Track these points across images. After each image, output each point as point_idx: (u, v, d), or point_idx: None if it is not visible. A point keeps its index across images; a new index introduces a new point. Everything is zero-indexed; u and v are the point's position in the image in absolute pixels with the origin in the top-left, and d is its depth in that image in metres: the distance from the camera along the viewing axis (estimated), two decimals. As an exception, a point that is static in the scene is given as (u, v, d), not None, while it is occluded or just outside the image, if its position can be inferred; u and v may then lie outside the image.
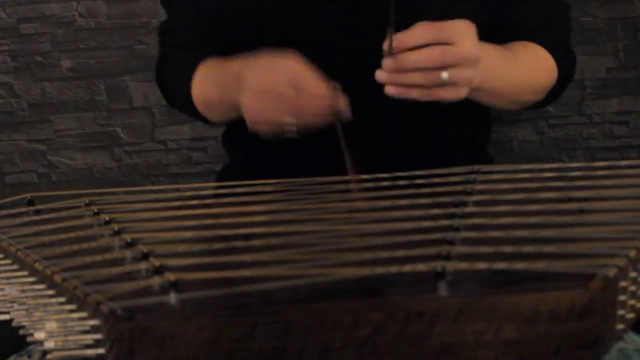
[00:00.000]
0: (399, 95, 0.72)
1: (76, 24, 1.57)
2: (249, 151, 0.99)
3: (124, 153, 1.65)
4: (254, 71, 0.75)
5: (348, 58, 0.86)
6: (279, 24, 0.89)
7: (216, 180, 1.04)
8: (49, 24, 1.56)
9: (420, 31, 0.70)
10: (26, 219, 0.71)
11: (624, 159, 1.56)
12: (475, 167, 0.78)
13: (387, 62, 0.71)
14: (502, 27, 0.90)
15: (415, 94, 0.72)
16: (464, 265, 0.52)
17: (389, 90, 0.72)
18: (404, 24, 0.83)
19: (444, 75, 0.70)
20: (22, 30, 1.56)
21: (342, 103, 0.74)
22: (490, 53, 0.79)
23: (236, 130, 1.01)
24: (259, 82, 0.73)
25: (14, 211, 0.72)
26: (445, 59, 0.70)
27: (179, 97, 0.95)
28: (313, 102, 0.73)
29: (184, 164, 1.65)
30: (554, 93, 0.92)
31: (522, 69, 0.86)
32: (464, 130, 0.79)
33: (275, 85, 0.72)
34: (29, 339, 0.55)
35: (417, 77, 0.70)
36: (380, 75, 0.72)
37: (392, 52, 0.70)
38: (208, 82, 0.88)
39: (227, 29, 0.93)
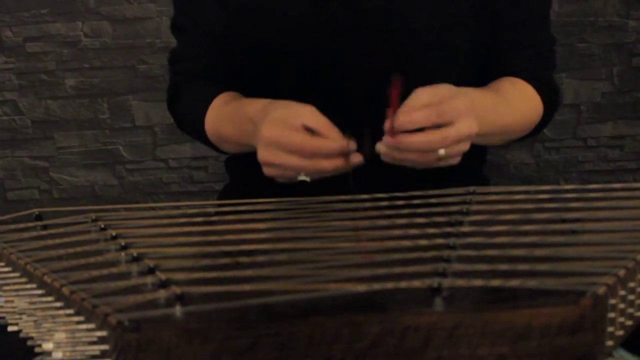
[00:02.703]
0: (394, 162, 0.75)
1: (81, 43, 1.59)
2: (252, 175, 1.01)
3: (125, 171, 1.67)
4: (268, 122, 0.75)
5: (352, 83, 0.90)
6: (289, 57, 0.91)
7: (218, 199, 1.06)
8: (54, 44, 1.58)
9: (422, 115, 0.71)
10: (34, 233, 0.73)
11: (618, 181, 1.58)
12: (471, 188, 0.80)
13: (387, 139, 0.73)
14: (493, 60, 0.95)
15: (410, 164, 0.75)
16: (459, 282, 0.54)
17: (385, 158, 0.75)
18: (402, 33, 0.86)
19: (441, 152, 0.73)
20: (27, 49, 1.59)
21: (354, 148, 0.75)
22: (483, 102, 0.82)
23: (239, 156, 1.03)
24: (272, 134, 0.74)
25: (22, 225, 0.74)
26: (444, 143, 0.73)
27: (191, 126, 0.97)
28: (326, 146, 0.73)
29: (184, 183, 1.67)
30: (540, 126, 0.97)
31: (513, 110, 0.90)
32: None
33: (289, 136, 0.73)
34: (36, 349, 0.56)
35: (415, 156, 0.74)
36: (380, 148, 0.74)
37: (393, 132, 0.72)
38: (222, 120, 0.90)
39: (239, 61, 0.95)
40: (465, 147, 0.75)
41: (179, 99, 0.99)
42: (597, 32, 1.50)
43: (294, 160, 0.73)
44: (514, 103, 0.90)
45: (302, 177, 0.74)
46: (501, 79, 0.94)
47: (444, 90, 0.75)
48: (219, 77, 0.97)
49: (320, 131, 0.74)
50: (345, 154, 0.74)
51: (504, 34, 0.94)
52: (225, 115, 0.90)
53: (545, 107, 0.95)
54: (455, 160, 0.76)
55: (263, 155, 0.75)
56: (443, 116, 0.71)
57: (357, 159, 0.75)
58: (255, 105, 0.84)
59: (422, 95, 0.73)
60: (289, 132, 0.73)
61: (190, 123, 0.97)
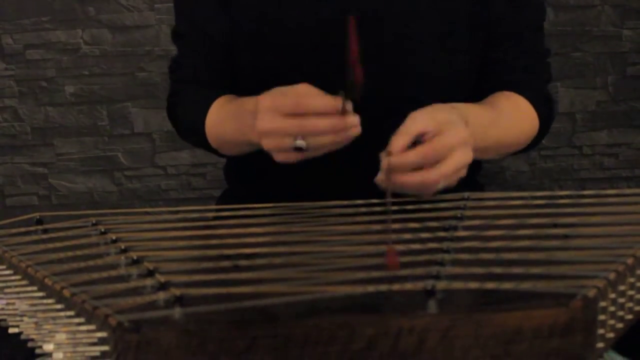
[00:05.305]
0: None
1: (81, 51, 1.60)
2: (250, 182, 1.02)
3: (124, 177, 1.67)
4: (265, 95, 0.78)
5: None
6: (288, 64, 0.93)
7: (216, 205, 1.07)
8: (54, 51, 1.60)
9: (415, 156, 0.73)
10: (35, 237, 0.73)
11: (613, 189, 1.59)
12: (466, 194, 0.82)
13: (383, 179, 0.74)
14: (488, 70, 0.96)
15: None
16: (453, 285, 0.55)
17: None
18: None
19: (440, 185, 0.74)
20: (27, 56, 1.60)
21: (348, 107, 0.76)
22: (479, 119, 0.84)
23: (238, 164, 1.04)
24: (268, 101, 0.77)
25: (23, 229, 0.75)
26: (440, 178, 0.74)
27: (191, 131, 0.98)
28: (319, 103, 0.75)
29: (183, 189, 1.68)
30: (537, 139, 0.98)
31: (508, 126, 0.91)
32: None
33: (284, 99, 0.76)
34: (37, 351, 0.57)
35: (414, 191, 0.76)
36: (379, 181, 0.75)
37: (390, 171, 0.73)
38: (223, 119, 0.91)
39: (240, 68, 0.96)
40: (462, 173, 0.76)
41: (179, 106, 1.01)
42: (591, 42, 1.52)
43: (290, 122, 0.75)
44: (509, 118, 0.91)
45: (299, 143, 0.75)
46: (496, 93, 0.95)
47: (440, 114, 0.75)
48: (219, 83, 0.98)
49: (315, 104, 0.75)
50: (339, 112, 0.74)
51: (499, 45, 0.96)
52: (225, 114, 0.91)
53: (541, 121, 0.96)
54: (455, 182, 0.77)
55: (261, 124, 0.77)
56: (437, 154, 0.73)
57: (354, 120, 0.75)
58: (253, 100, 0.85)
59: (418, 122, 0.74)
60: (283, 96, 0.76)
61: (190, 128, 0.98)
